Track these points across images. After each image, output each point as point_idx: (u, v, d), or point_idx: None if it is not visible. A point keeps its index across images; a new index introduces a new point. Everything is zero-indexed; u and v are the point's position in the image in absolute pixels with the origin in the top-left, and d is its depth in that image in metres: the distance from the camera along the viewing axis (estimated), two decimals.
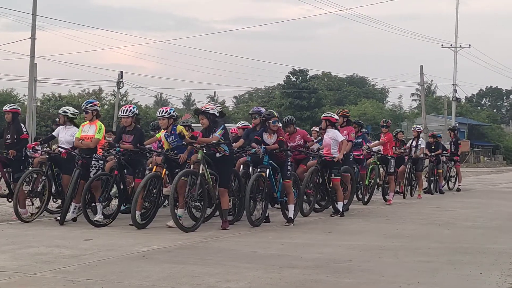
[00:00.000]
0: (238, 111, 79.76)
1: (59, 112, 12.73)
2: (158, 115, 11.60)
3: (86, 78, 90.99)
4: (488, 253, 8.74)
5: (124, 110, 11.80)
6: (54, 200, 12.63)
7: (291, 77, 73.16)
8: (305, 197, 13.01)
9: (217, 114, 11.08)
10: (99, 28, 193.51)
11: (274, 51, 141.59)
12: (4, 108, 12.88)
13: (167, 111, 11.55)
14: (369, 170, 16.48)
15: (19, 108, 13.31)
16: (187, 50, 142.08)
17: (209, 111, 11.01)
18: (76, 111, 12.77)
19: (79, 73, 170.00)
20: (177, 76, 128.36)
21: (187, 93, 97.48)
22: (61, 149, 11.85)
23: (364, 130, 18.13)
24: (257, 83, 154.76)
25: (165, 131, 11.56)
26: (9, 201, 12.70)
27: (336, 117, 13.68)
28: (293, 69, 72.97)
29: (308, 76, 74.68)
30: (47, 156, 12.24)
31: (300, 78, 72.85)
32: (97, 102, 12.41)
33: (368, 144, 17.12)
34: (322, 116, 13.79)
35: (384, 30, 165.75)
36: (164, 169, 11.15)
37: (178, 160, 11.22)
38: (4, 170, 12.66)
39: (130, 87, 57.05)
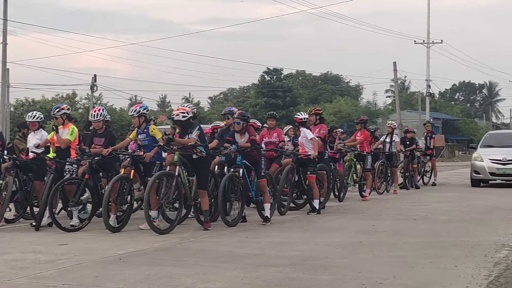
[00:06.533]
0: (214, 111, 79.48)
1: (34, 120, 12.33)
2: (129, 114, 11.57)
3: (60, 82, 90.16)
4: (463, 246, 8.84)
5: (93, 115, 11.52)
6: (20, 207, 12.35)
7: (266, 76, 73.16)
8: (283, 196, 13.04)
9: (190, 118, 10.98)
10: (71, 31, 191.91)
11: (248, 51, 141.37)
12: None
13: (136, 109, 11.40)
14: (346, 166, 16.58)
15: None
16: (161, 52, 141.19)
17: (181, 119, 10.88)
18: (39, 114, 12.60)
19: (52, 78, 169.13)
20: (151, 78, 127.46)
21: (162, 95, 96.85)
22: (32, 154, 11.79)
23: (340, 130, 18.24)
24: (231, 83, 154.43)
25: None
26: None
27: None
28: (268, 68, 72.99)
29: (283, 75, 74.73)
30: (12, 162, 11.80)
31: (275, 77, 72.86)
32: (65, 106, 12.18)
33: (342, 141, 17.24)
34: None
35: (357, 28, 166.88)
36: (132, 170, 11.06)
37: (143, 160, 11.15)
38: None
39: (104, 90, 56.70)
